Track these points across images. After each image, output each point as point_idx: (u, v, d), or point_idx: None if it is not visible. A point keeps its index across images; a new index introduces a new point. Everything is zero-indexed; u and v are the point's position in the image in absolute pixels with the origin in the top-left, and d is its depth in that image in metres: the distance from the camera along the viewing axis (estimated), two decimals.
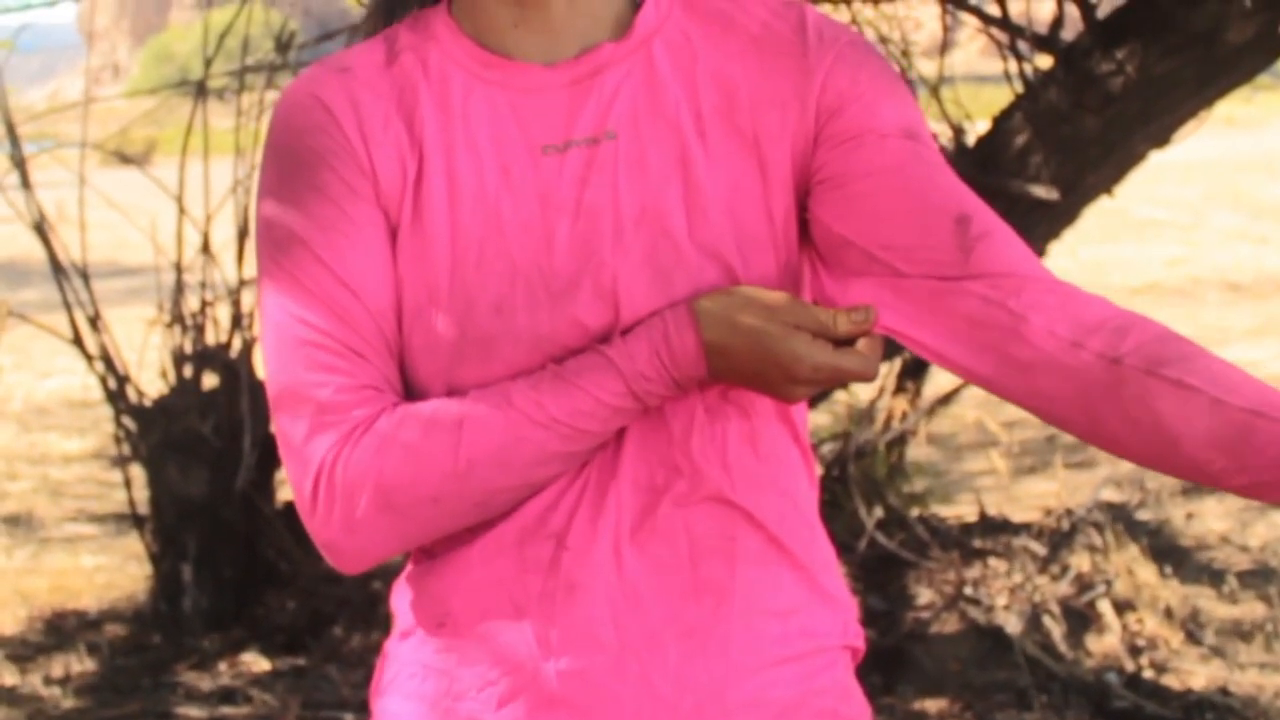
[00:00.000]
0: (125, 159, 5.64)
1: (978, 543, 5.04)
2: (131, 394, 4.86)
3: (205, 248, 4.87)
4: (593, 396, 1.35)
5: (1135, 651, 4.39)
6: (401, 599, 1.49)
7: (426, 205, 1.39)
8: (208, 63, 4.92)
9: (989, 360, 1.35)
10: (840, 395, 5.29)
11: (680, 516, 1.40)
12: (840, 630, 1.49)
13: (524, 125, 1.40)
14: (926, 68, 4.34)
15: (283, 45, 4.77)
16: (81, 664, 4.61)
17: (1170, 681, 4.22)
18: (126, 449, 4.94)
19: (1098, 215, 4.44)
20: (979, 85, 4.33)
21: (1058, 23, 3.61)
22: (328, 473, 1.37)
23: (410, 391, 1.41)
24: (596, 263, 1.37)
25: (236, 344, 4.86)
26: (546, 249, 1.38)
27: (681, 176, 1.39)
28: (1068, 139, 3.50)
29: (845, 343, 1.36)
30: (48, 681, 4.49)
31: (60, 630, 4.94)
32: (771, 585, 1.43)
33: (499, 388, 1.36)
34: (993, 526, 5.24)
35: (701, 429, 1.40)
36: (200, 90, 4.90)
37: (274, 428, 1.43)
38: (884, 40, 4.39)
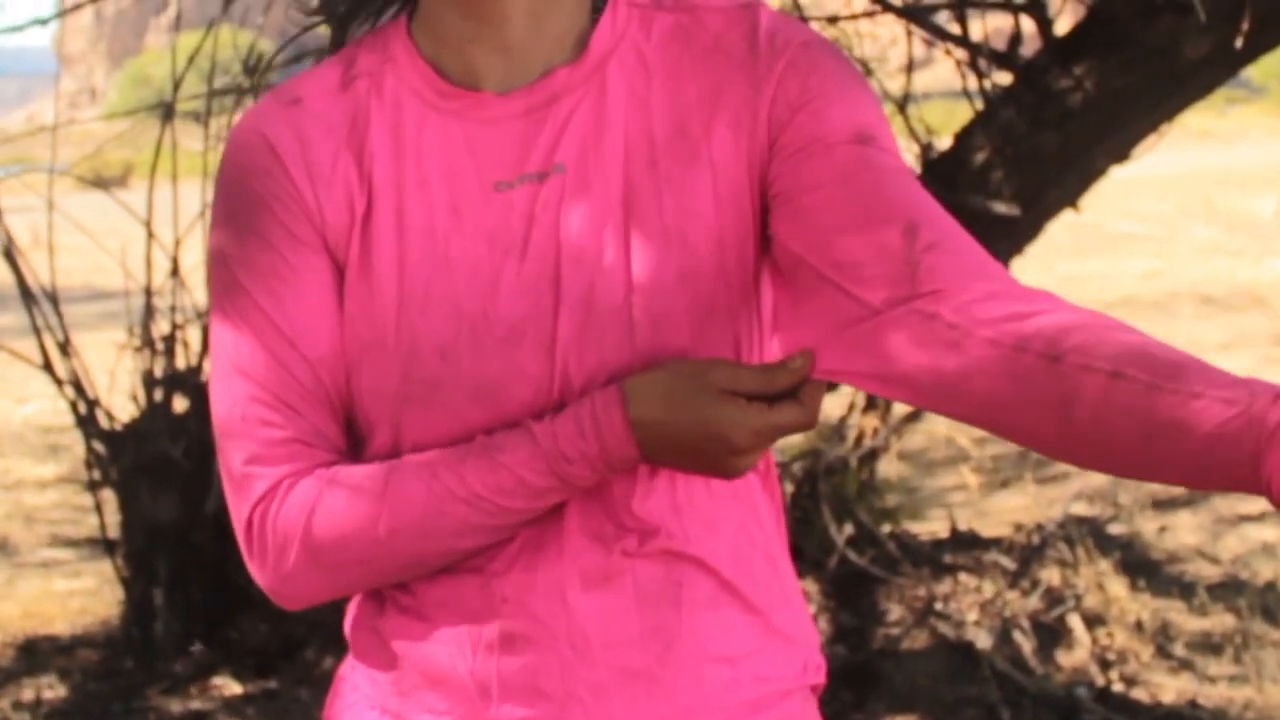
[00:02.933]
0: (96, 183, 5.64)
1: (948, 558, 5.05)
2: (102, 418, 4.85)
3: (175, 271, 4.87)
4: (515, 475, 1.33)
5: (1105, 665, 4.40)
6: (353, 629, 1.48)
7: (375, 244, 1.37)
8: (175, 86, 4.92)
9: (931, 381, 1.26)
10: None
11: (628, 565, 1.38)
12: (798, 670, 1.46)
13: (478, 160, 1.38)
14: (898, 85, 4.36)
15: (250, 69, 4.77)
16: (53, 689, 4.60)
17: (1140, 695, 4.23)
18: (97, 473, 4.93)
19: (1072, 229, 4.46)
20: (954, 101, 4.34)
21: (1016, 40, 3.63)
22: (258, 524, 1.38)
23: (359, 432, 1.41)
24: (540, 306, 1.35)
25: (207, 367, 4.85)
26: (492, 292, 1.35)
27: (624, 212, 1.36)
28: (1027, 155, 3.52)
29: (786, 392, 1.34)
30: (18, 707, 4.48)
31: (32, 655, 4.92)
32: (722, 630, 1.41)
33: (427, 457, 1.36)
34: (963, 542, 5.25)
35: (644, 483, 1.38)
36: (168, 113, 4.90)
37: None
38: (849, 56, 4.41)
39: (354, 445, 1.42)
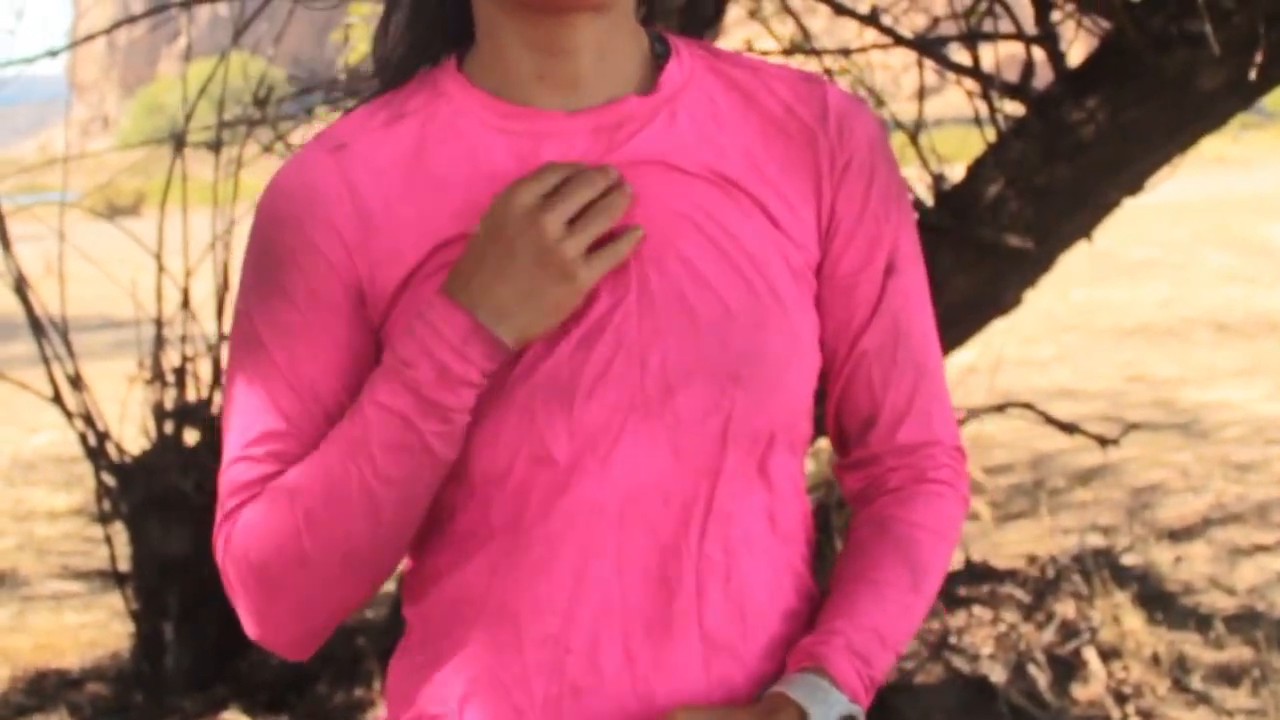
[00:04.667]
0: (108, 212, 5.64)
1: (962, 591, 5.02)
2: (112, 451, 4.84)
3: (185, 303, 4.86)
4: (373, 402, 1.34)
5: (1121, 699, 4.37)
6: (403, 687, 1.46)
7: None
8: (187, 117, 4.91)
9: None
10: (823, 444, 5.27)
11: (692, 611, 1.38)
12: None
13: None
14: (909, 112, 4.34)
15: (260, 100, 4.76)
16: None
17: None
18: (107, 506, 4.92)
19: (1087, 257, 4.44)
20: (967, 128, 4.33)
21: (1029, 71, 3.61)
22: (222, 565, 1.40)
23: None
24: (618, 314, 1.36)
25: (217, 400, 4.84)
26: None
27: (710, 230, 1.38)
28: (1040, 188, 3.50)
29: None
30: None
31: (42, 689, 4.91)
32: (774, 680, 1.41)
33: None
34: (977, 574, 5.22)
35: (700, 522, 1.38)
36: (179, 144, 4.90)
37: None
38: (860, 87, 4.39)
39: None
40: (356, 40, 4.82)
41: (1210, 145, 3.86)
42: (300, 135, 4.66)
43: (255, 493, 1.39)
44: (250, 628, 1.42)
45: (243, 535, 1.38)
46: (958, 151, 4.19)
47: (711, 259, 1.37)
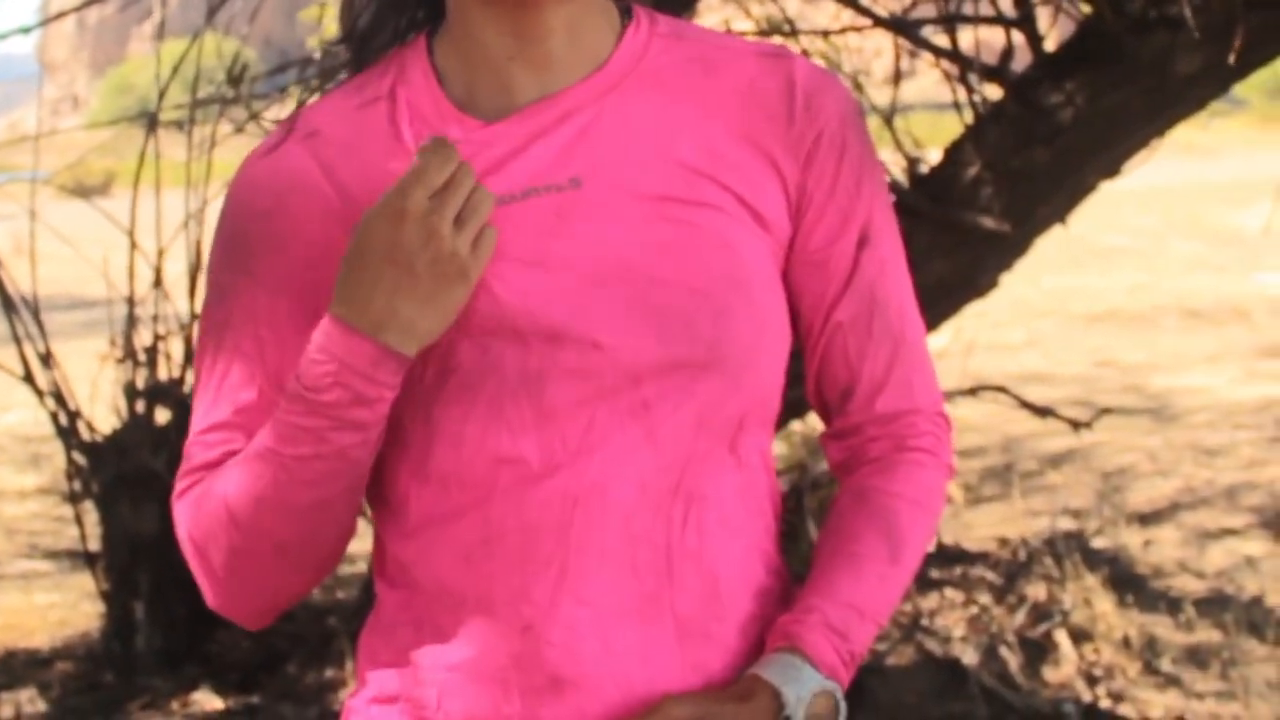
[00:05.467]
0: (78, 191, 5.61)
1: (934, 573, 5.04)
2: (83, 430, 4.82)
3: (157, 282, 4.84)
4: (285, 422, 1.33)
5: (1092, 681, 4.39)
6: (377, 662, 1.45)
7: None
8: (160, 95, 4.89)
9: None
10: (796, 426, 5.29)
11: (666, 596, 1.38)
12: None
13: (485, 180, 1.36)
14: (884, 96, 4.34)
15: (234, 78, 4.74)
16: (33, 703, 4.57)
17: (1127, 711, 4.22)
18: (78, 485, 4.90)
19: (1059, 243, 4.46)
20: (938, 113, 4.33)
21: (1007, 54, 3.61)
22: (180, 540, 1.42)
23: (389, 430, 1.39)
24: (581, 314, 1.34)
25: (189, 379, 4.82)
26: (524, 299, 1.35)
27: (668, 219, 1.37)
28: (1018, 171, 3.50)
29: None
30: None
31: (11, 669, 4.89)
32: (755, 658, 1.41)
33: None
34: (949, 557, 5.24)
35: (669, 504, 1.37)
36: (152, 123, 4.87)
37: None
38: (836, 69, 4.39)
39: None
40: (329, 20, 4.80)
41: (1180, 133, 3.86)
42: (273, 114, 4.64)
43: (200, 479, 1.40)
44: (208, 599, 1.44)
45: (185, 519, 1.40)
46: (931, 136, 4.19)
47: (673, 249, 1.36)
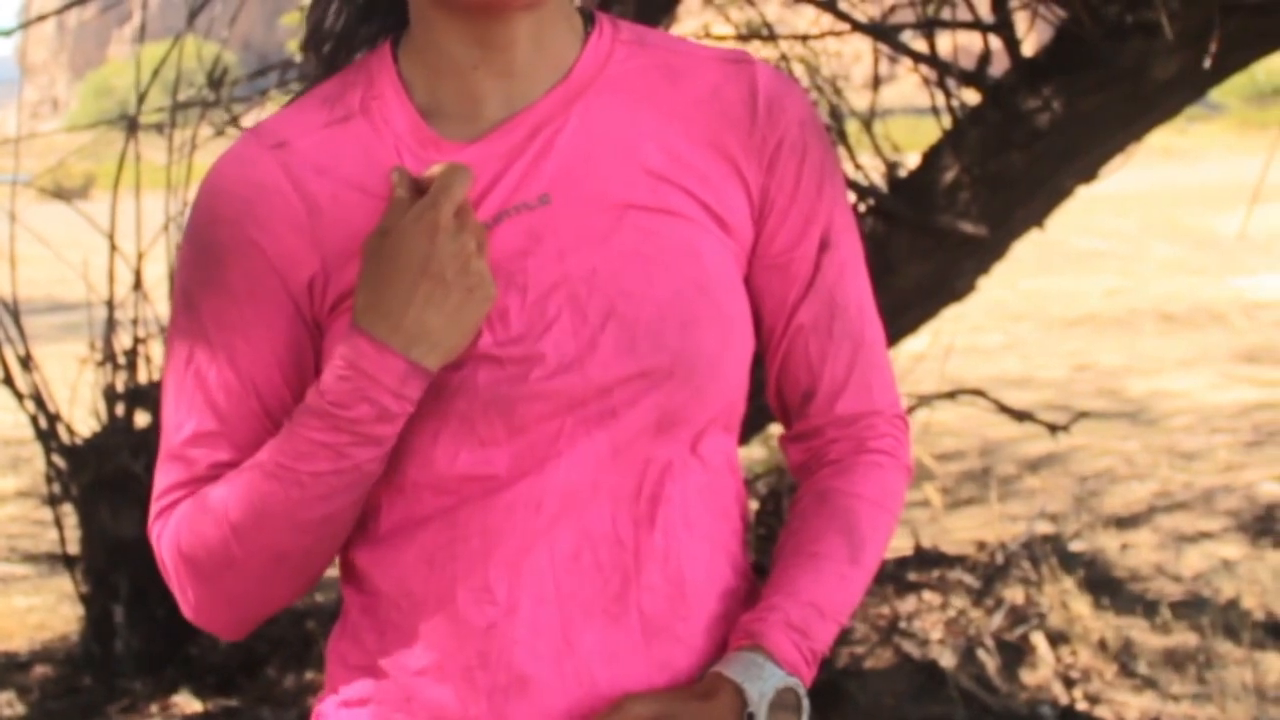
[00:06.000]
0: (59, 194, 5.60)
1: (912, 576, 5.05)
2: (63, 433, 4.81)
3: (137, 285, 4.84)
4: (304, 438, 1.33)
5: (1069, 684, 4.41)
6: (339, 665, 1.46)
7: None
8: (140, 98, 4.89)
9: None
10: (775, 429, 5.30)
11: (632, 595, 1.39)
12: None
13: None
14: (863, 101, 4.36)
15: (215, 81, 4.74)
16: (11, 706, 4.56)
17: (1104, 713, 4.24)
18: (57, 488, 4.89)
19: (1036, 246, 4.48)
20: (918, 118, 4.35)
21: (985, 59, 3.63)
22: (158, 554, 1.42)
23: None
24: (553, 333, 1.35)
25: None
26: (502, 323, 1.36)
27: (632, 230, 1.38)
28: (995, 175, 3.52)
29: None
30: None
31: None
32: (718, 658, 1.42)
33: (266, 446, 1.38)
34: (927, 560, 5.26)
35: (632, 505, 1.39)
36: (132, 126, 4.87)
37: None
38: (815, 75, 4.41)
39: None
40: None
41: (1158, 137, 3.89)
42: (252, 118, 4.64)
43: (188, 492, 1.40)
44: (186, 611, 1.43)
45: (175, 533, 1.39)
46: (909, 141, 4.21)
47: (640, 259, 1.37)
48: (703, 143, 1.42)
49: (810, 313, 1.47)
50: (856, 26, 3.57)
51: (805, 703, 1.38)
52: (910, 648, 4.50)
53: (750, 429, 3.98)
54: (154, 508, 1.42)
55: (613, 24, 1.46)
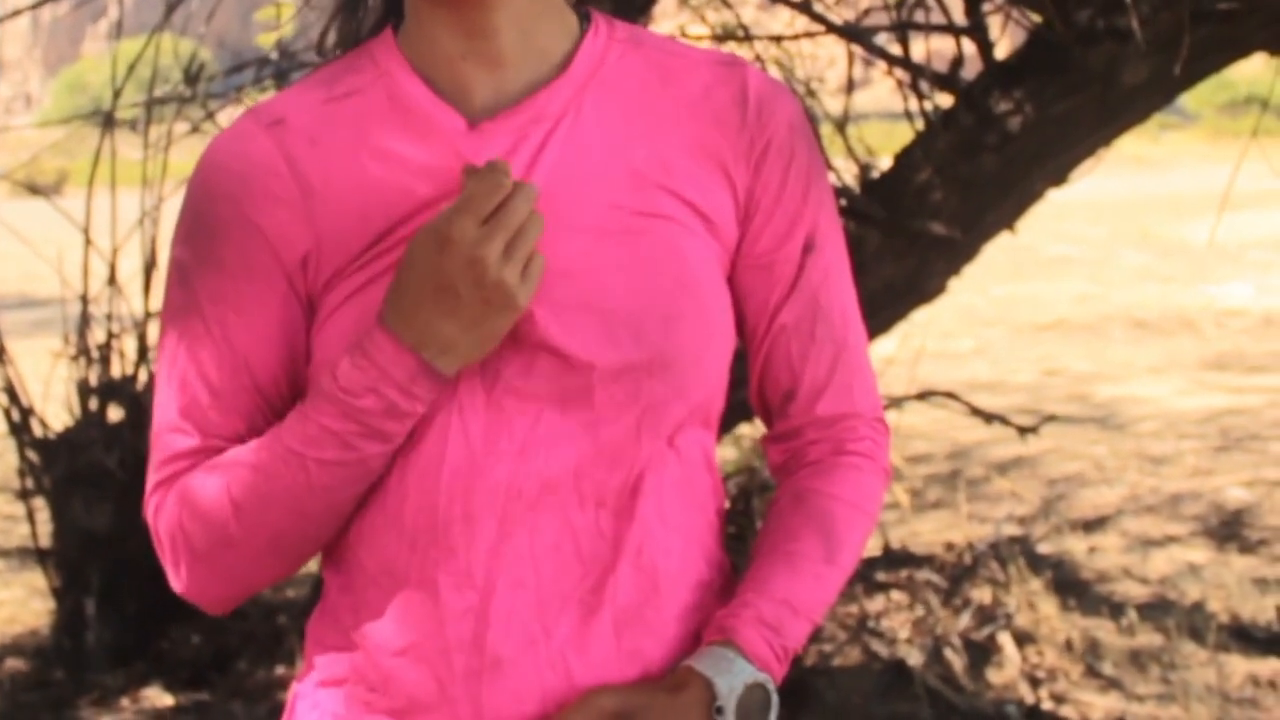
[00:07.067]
0: (33, 189, 5.60)
1: (881, 576, 5.08)
2: (36, 427, 4.82)
3: (112, 280, 4.84)
4: (314, 423, 1.35)
5: (1035, 683, 4.44)
6: (317, 646, 1.48)
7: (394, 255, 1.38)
8: (116, 94, 4.89)
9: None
10: (745, 429, 5.32)
11: (608, 587, 1.40)
12: None
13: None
14: (838, 105, 4.39)
15: (191, 77, 4.75)
16: None
17: (1069, 713, 4.27)
18: (30, 482, 4.89)
19: (1007, 252, 4.52)
20: (892, 122, 4.37)
21: (958, 62, 3.65)
22: (153, 525, 1.43)
23: None
24: (535, 320, 1.36)
25: (142, 376, 4.83)
26: None
27: (617, 229, 1.39)
28: (967, 177, 3.54)
29: None
30: None
31: None
32: (692, 649, 1.43)
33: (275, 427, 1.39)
34: (895, 560, 5.28)
35: (616, 499, 1.40)
36: (108, 121, 4.87)
37: None
38: (790, 78, 4.43)
39: None
40: (284, 21, 4.81)
41: (1130, 145, 3.93)
42: (228, 115, 4.65)
43: (187, 465, 1.41)
44: (176, 585, 1.45)
45: (175, 507, 1.41)
46: (884, 145, 4.24)
47: (625, 257, 1.38)
48: (692, 145, 1.43)
49: (793, 314, 1.48)
50: (831, 28, 3.59)
51: (774, 699, 1.39)
52: (878, 646, 4.53)
53: (722, 428, 4.01)
54: (149, 481, 1.43)
55: (608, 23, 1.47)
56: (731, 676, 1.36)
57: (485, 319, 1.32)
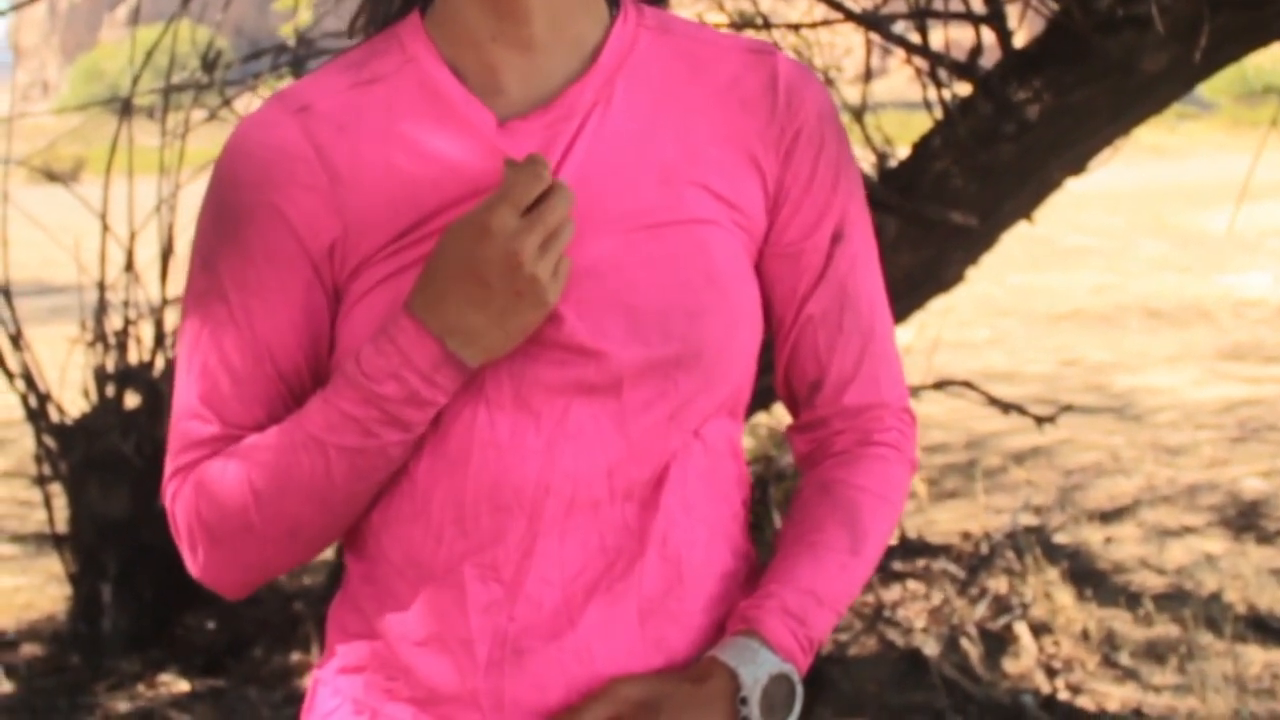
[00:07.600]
0: (51, 176, 5.61)
1: (897, 565, 5.07)
2: (53, 413, 4.83)
3: (129, 266, 4.85)
4: (335, 408, 1.35)
5: (1051, 673, 4.43)
6: (339, 633, 1.48)
7: (427, 243, 1.37)
8: (133, 81, 4.89)
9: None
10: (762, 418, 5.32)
11: (632, 573, 1.40)
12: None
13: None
14: (855, 94, 4.38)
15: (209, 64, 4.75)
16: None
17: (1085, 703, 4.26)
18: (47, 468, 4.90)
19: (1024, 242, 4.51)
20: (909, 112, 4.37)
21: (976, 50, 3.64)
22: (170, 510, 1.43)
23: None
24: (563, 315, 1.35)
25: (159, 363, 4.83)
26: None
27: (644, 222, 1.38)
28: (985, 165, 3.53)
29: None
30: None
31: None
32: (716, 640, 1.43)
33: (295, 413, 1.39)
34: (912, 549, 5.28)
35: (642, 489, 1.40)
36: (126, 108, 4.87)
37: None
38: (808, 65, 4.41)
39: None
40: (302, 9, 4.81)
41: (1147, 134, 3.92)
42: (245, 103, 4.65)
43: (207, 452, 1.41)
44: (193, 569, 1.44)
45: (194, 493, 1.40)
46: (901, 134, 4.23)
47: (651, 251, 1.38)
48: (721, 134, 1.43)
49: (820, 304, 1.48)
50: (849, 16, 3.58)
51: (799, 690, 1.39)
52: (894, 636, 4.53)
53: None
54: (168, 467, 1.43)
55: (637, 8, 1.46)
56: (756, 667, 1.36)
57: (514, 312, 1.31)
